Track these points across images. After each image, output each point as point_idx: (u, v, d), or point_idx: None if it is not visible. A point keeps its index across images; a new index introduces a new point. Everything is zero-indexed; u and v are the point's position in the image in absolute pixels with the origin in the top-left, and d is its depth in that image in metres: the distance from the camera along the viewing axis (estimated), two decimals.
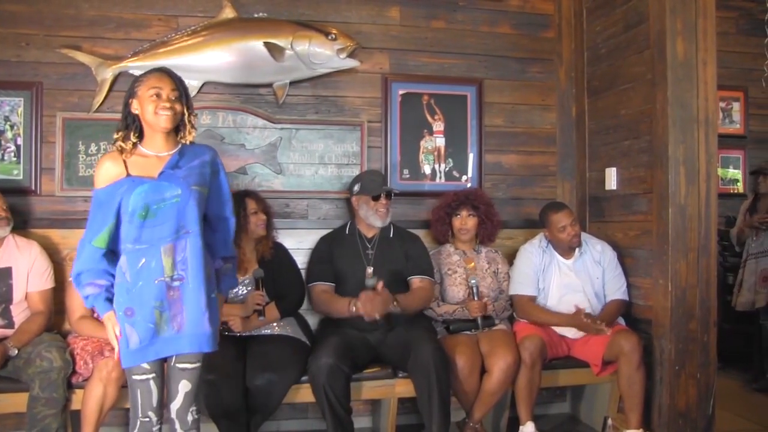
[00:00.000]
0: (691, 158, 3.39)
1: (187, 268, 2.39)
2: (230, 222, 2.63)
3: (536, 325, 3.54)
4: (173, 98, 2.46)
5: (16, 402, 3.03)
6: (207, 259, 2.46)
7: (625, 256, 3.76)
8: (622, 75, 3.83)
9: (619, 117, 3.87)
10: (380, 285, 3.28)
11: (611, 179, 3.93)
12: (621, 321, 3.63)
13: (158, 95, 2.43)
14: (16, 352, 3.07)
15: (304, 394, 3.23)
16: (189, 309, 2.39)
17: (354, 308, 3.31)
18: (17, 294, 3.27)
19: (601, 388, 3.77)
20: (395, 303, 3.32)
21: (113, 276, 2.42)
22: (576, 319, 3.46)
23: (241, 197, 3.44)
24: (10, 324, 3.23)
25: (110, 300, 2.42)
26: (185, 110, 2.51)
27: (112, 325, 2.41)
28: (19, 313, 3.27)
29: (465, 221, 3.70)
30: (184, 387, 2.44)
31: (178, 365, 2.44)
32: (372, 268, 3.49)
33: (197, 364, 2.46)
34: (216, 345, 2.46)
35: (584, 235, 3.74)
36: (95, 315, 3.12)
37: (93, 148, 3.69)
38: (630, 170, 3.78)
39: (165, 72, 2.51)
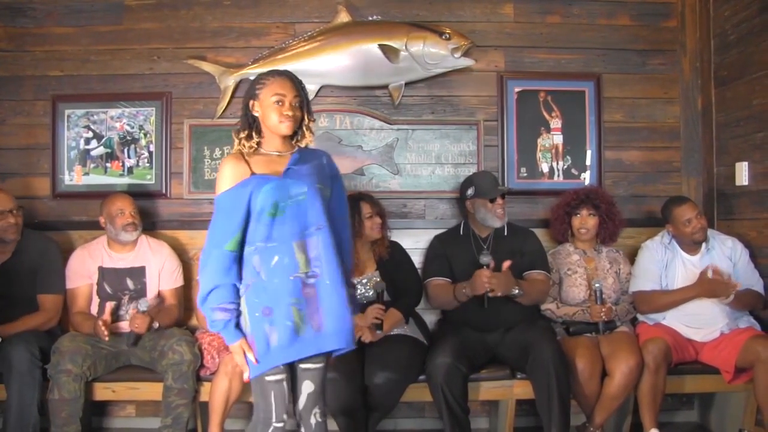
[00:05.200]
0: None
1: (322, 265, 2.33)
2: (348, 226, 2.55)
3: (661, 326, 3.42)
4: (295, 105, 2.43)
5: (153, 390, 3.29)
6: (339, 256, 2.39)
7: (759, 256, 3.55)
8: (755, 62, 3.62)
9: (751, 107, 3.66)
10: (506, 265, 3.23)
11: (743, 174, 3.73)
12: (756, 326, 3.42)
13: (281, 102, 2.40)
14: (157, 326, 3.33)
15: (421, 393, 3.24)
16: (329, 306, 2.32)
17: (465, 290, 3.28)
18: (150, 291, 3.49)
19: (734, 396, 3.54)
20: (518, 287, 3.28)
21: (238, 292, 2.36)
22: (701, 283, 3.32)
23: (355, 201, 3.45)
24: None
25: (238, 325, 2.35)
26: (305, 116, 2.50)
27: (243, 352, 2.33)
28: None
29: (585, 221, 3.60)
30: (307, 388, 2.39)
31: (301, 365, 2.38)
32: (488, 254, 3.33)
33: (320, 365, 2.41)
34: (355, 343, 2.42)
35: (711, 231, 3.58)
36: None
37: (217, 152, 3.89)
38: (764, 164, 3.57)
39: (287, 77, 2.47)
